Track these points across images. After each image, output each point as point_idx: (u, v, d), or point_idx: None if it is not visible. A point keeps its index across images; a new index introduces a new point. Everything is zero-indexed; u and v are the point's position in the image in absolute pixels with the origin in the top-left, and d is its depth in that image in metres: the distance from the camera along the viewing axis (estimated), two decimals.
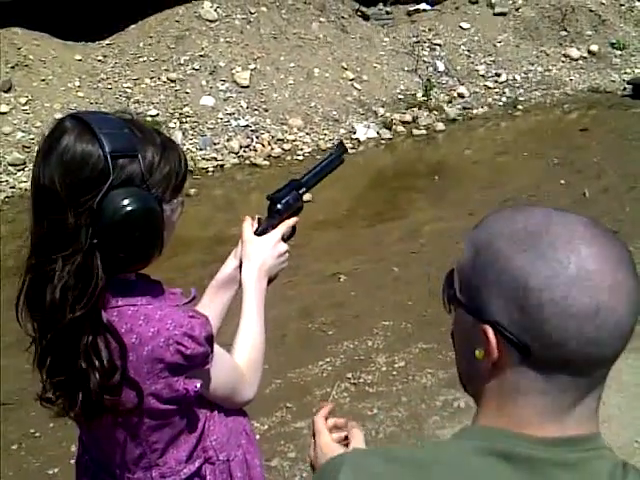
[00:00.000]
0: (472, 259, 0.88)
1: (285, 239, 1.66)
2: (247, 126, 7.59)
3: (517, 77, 9.38)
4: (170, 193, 1.33)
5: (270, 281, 1.64)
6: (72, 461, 3.28)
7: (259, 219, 1.67)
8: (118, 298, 1.31)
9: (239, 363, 1.50)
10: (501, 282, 0.83)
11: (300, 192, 1.70)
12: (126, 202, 1.23)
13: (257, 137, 7.55)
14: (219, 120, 7.55)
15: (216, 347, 1.39)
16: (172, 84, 7.75)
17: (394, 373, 3.84)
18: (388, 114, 8.26)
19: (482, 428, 0.88)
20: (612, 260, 0.81)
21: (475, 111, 8.76)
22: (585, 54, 9.90)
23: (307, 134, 7.74)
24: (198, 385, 1.33)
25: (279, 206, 1.65)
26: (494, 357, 0.85)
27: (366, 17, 9.68)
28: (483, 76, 9.27)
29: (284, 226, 1.65)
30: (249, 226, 1.64)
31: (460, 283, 0.90)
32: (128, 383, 1.29)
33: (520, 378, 0.85)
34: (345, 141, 7.73)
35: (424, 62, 9.17)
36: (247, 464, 1.54)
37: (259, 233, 1.63)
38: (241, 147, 7.38)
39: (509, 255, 0.83)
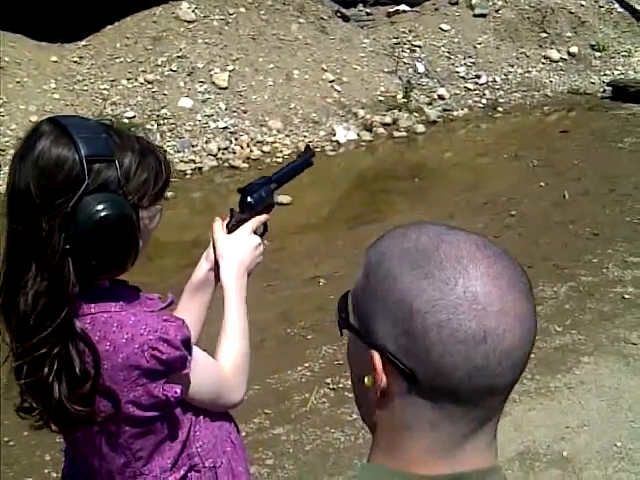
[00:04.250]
0: (363, 280, 0.83)
1: (259, 236, 1.65)
2: (226, 128, 7.54)
3: (497, 79, 9.40)
4: (148, 200, 1.31)
5: (247, 276, 1.62)
6: (46, 470, 3.25)
7: (231, 210, 1.65)
8: (91, 305, 1.29)
9: (224, 366, 1.48)
10: (388, 304, 0.78)
11: (272, 187, 1.69)
12: (100, 207, 1.22)
13: (236, 139, 7.50)
14: (197, 122, 7.50)
15: (196, 350, 1.37)
16: (149, 85, 7.68)
17: None
18: (368, 116, 8.24)
19: (374, 468, 0.83)
20: (503, 283, 0.75)
21: (455, 113, 8.77)
22: (565, 56, 9.95)
23: (287, 136, 7.70)
24: (178, 390, 1.31)
25: (250, 199, 1.63)
26: (381, 385, 0.79)
27: (346, 18, 9.66)
28: (463, 78, 9.29)
29: (255, 221, 1.63)
30: (219, 226, 1.62)
31: (352, 306, 0.85)
32: (103, 392, 1.27)
33: (408, 409, 0.79)
34: (325, 143, 7.72)
35: (404, 64, 9.17)
36: (233, 472, 1.52)
37: (230, 227, 1.61)
38: (220, 149, 7.34)
39: (397, 275, 0.78)
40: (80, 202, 1.21)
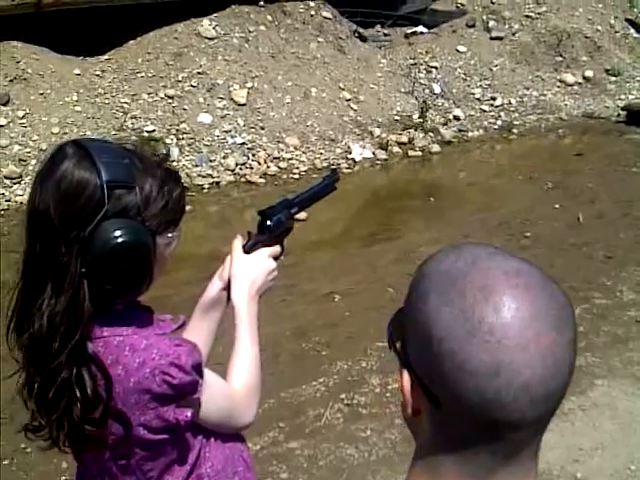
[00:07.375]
0: (407, 298, 0.82)
1: (275, 258, 1.64)
2: (243, 144, 7.61)
3: (512, 101, 9.45)
4: (165, 226, 1.32)
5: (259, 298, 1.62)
6: (63, 478, 3.27)
7: (249, 233, 1.64)
8: (104, 328, 1.29)
9: (235, 388, 1.47)
10: (416, 325, 0.77)
11: (292, 211, 1.68)
12: (118, 233, 1.22)
13: (253, 155, 7.56)
14: (216, 137, 7.57)
15: (208, 373, 1.37)
16: (170, 100, 7.76)
17: (388, 395, 3.83)
18: (384, 135, 8.29)
19: None
20: (525, 315, 0.72)
21: (470, 134, 8.82)
22: (580, 80, 9.99)
23: (303, 153, 7.76)
24: (189, 414, 1.31)
25: (269, 222, 1.63)
26: (410, 404, 0.79)
27: (364, 38, 9.75)
28: (479, 99, 9.34)
29: (275, 249, 1.63)
30: (239, 244, 1.61)
31: (398, 322, 0.84)
32: (114, 415, 1.27)
33: (437, 432, 0.78)
34: (341, 161, 7.77)
35: (420, 84, 9.23)
36: None
37: (247, 248, 1.60)
38: (237, 165, 7.40)
39: (426, 297, 0.77)
40: (99, 227, 1.21)
